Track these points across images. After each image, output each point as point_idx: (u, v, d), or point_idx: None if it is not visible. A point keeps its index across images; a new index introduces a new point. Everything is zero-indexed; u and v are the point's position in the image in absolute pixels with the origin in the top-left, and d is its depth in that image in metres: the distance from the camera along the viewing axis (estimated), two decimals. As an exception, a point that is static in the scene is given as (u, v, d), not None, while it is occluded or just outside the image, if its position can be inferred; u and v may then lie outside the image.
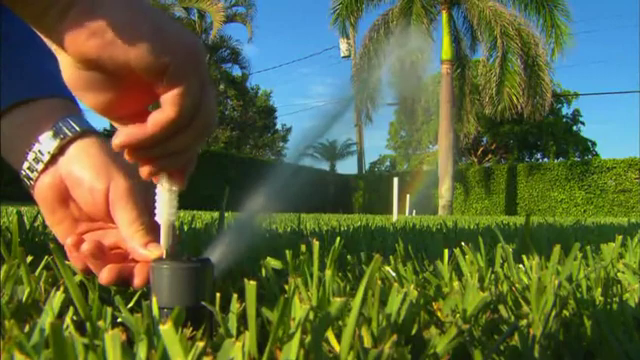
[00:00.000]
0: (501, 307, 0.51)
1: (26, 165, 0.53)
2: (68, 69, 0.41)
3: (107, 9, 0.38)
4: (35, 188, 0.53)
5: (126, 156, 0.43)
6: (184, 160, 0.45)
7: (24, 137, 0.53)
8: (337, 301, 0.36)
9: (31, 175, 0.53)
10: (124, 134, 0.41)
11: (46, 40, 0.40)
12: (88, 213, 0.53)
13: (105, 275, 0.48)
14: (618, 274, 0.71)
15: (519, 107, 15.04)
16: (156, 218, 0.46)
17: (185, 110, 0.40)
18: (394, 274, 0.67)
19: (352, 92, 0.57)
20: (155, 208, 0.46)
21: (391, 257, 0.73)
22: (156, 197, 0.45)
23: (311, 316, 0.38)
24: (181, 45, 0.39)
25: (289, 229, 1.69)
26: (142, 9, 0.39)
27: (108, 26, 0.37)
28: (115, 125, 0.44)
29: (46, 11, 0.37)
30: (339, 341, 0.37)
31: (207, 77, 0.42)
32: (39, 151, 0.52)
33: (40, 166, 0.52)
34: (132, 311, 0.44)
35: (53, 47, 0.41)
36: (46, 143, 0.52)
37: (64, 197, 0.53)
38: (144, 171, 0.44)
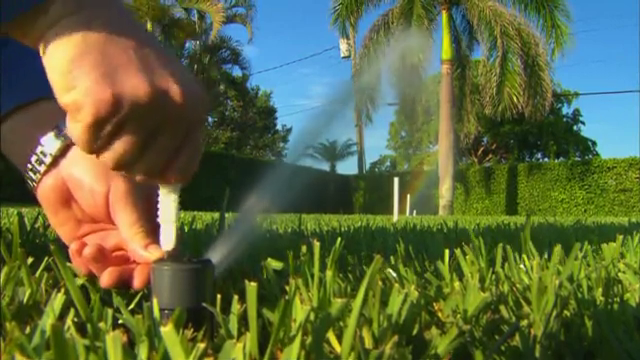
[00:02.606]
0: (502, 307, 0.51)
1: (29, 167, 0.53)
2: None
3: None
4: (38, 190, 0.53)
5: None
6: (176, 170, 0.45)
7: (27, 139, 0.53)
8: (338, 302, 0.36)
9: (34, 177, 0.53)
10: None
11: None
12: (90, 214, 0.53)
13: (106, 278, 0.48)
14: (619, 274, 0.71)
15: (519, 107, 15.04)
16: (158, 220, 0.46)
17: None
18: (395, 274, 0.67)
19: (348, 92, 0.57)
20: (157, 209, 0.46)
21: (392, 257, 0.73)
22: (159, 199, 0.45)
23: (312, 317, 0.38)
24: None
25: (290, 230, 1.69)
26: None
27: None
28: None
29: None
30: (340, 342, 0.37)
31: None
32: (42, 153, 0.52)
33: (42, 168, 0.52)
34: (133, 312, 0.44)
35: None
36: (48, 145, 0.53)
37: (66, 199, 0.53)
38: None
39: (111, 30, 0.39)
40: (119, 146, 0.40)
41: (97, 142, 0.40)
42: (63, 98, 0.38)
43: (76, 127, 0.39)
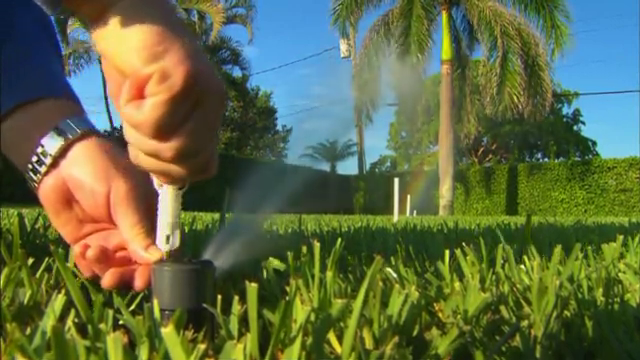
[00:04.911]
0: (502, 308, 0.51)
1: (29, 167, 0.53)
2: None
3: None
4: (39, 190, 0.53)
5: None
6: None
7: (27, 139, 0.53)
8: (338, 302, 0.36)
9: (34, 177, 0.53)
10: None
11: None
12: (91, 215, 0.53)
13: (107, 279, 0.48)
14: (619, 274, 0.71)
15: (520, 107, 15.04)
16: (160, 220, 0.46)
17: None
18: (395, 275, 0.67)
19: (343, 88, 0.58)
20: (157, 210, 0.46)
21: (392, 258, 0.73)
22: (159, 199, 0.45)
23: (312, 318, 0.38)
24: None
25: (290, 230, 1.69)
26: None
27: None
28: None
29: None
30: (340, 342, 0.37)
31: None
32: (42, 153, 0.52)
33: (43, 168, 0.52)
34: (134, 313, 0.44)
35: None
36: (48, 145, 0.53)
37: (67, 199, 0.53)
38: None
39: (174, 14, 0.42)
40: (192, 131, 0.40)
41: (173, 119, 0.39)
42: (146, 68, 0.38)
43: (153, 101, 0.38)
